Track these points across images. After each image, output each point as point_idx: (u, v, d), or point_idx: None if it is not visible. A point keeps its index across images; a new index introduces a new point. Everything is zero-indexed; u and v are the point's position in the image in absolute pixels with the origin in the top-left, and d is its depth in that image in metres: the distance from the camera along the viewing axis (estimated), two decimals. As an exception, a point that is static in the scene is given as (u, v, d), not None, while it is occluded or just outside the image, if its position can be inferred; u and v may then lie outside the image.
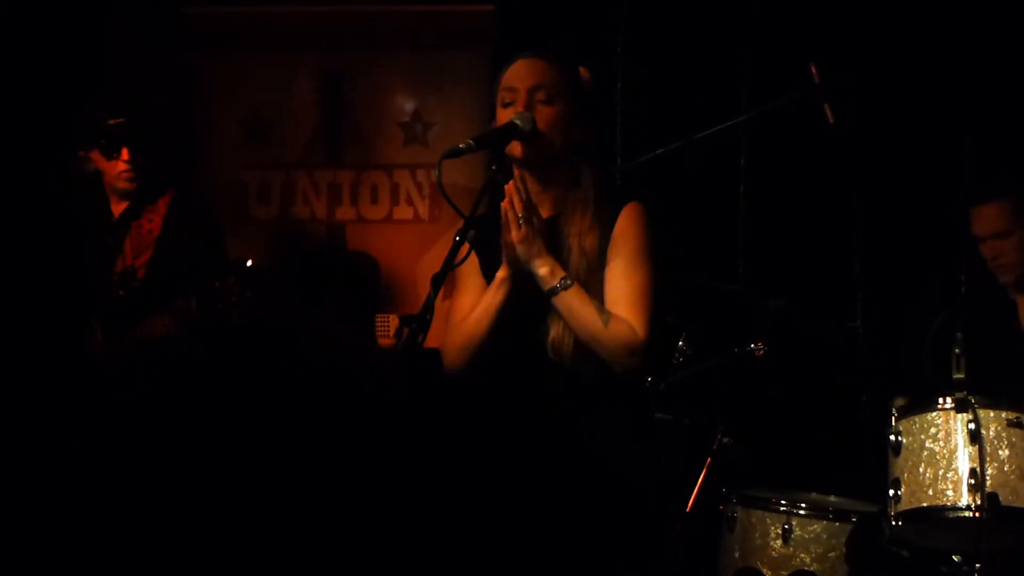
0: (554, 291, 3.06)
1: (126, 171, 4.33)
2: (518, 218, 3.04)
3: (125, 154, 4.31)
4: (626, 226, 3.12)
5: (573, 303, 3.06)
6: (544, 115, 3.09)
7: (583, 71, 3.17)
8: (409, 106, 5.49)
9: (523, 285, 3.09)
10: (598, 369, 3.08)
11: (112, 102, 4.44)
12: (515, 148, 3.06)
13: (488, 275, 3.17)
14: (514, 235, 3.04)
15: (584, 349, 3.07)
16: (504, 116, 3.10)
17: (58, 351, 4.27)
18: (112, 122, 4.31)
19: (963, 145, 4.83)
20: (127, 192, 4.38)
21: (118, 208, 4.41)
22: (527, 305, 3.09)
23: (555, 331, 3.09)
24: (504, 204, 3.03)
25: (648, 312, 3.08)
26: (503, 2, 5.39)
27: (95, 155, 4.36)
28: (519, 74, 3.13)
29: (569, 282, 3.06)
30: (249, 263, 4.18)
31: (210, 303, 4.17)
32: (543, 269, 3.06)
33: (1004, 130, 4.77)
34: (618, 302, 3.08)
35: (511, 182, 3.03)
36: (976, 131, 4.81)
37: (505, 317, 3.11)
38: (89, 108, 4.45)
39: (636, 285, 3.09)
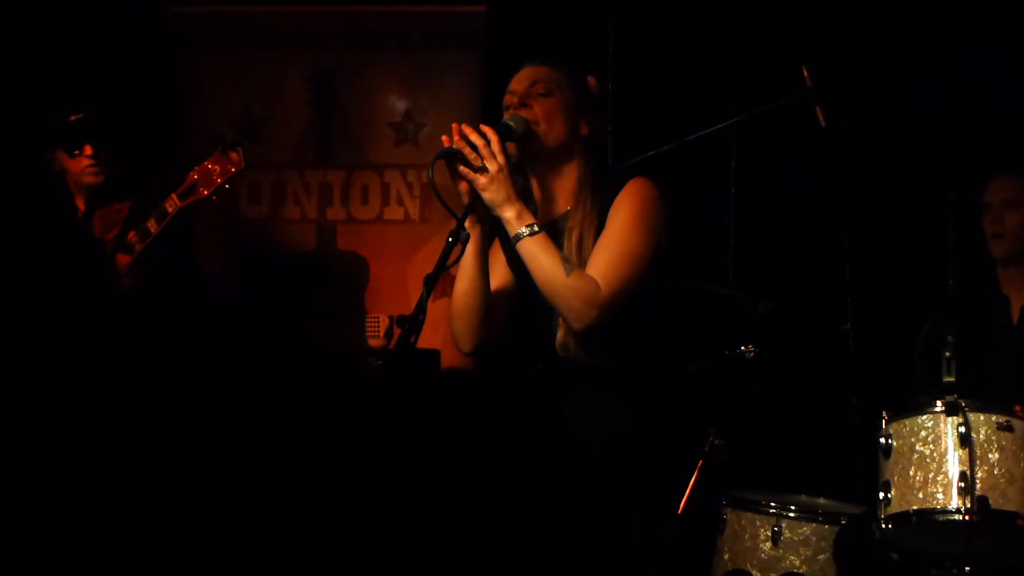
0: (518, 236, 2.99)
1: (90, 166, 4.26)
2: (475, 168, 2.97)
3: (88, 150, 4.25)
4: (622, 199, 3.08)
5: (537, 250, 2.98)
6: (543, 106, 3.11)
7: (591, 79, 3.19)
8: (400, 106, 5.49)
9: (532, 287, 3.08)
10: (612, 360, 3.07)
11: (69, 97, 4.36)
12: (511, 151, 3.06)
13: (512, 265, 3.21)
14: (481, 182, 2.96)
15: (594, 344, 3.04)
16: None
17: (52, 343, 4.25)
18: (73, 118, 4.24)
19: (953, 147, 4.85)
20: (92, 187, 4.31)
21: (83, 206, 4.35)
22: (536, 306, 3.09)
23: (563, 330, 3.07)
24: (458, 143, 2.95)
25: (621, 277, 3.00)
26: (495, 3, 5.39)
27: (59, 154, 4.28)
28: (519, 78, 3.18)
29: (537, 228, 2.99)
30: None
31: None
32: (509, 213, 2.99)
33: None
34: (593, 264, 3.01)
35: (457, 127, 2.96)
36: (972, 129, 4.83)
37: (508, 296, 3.14)
38: (44, 106, 4.38)
39: (617, 253, 3.02)
